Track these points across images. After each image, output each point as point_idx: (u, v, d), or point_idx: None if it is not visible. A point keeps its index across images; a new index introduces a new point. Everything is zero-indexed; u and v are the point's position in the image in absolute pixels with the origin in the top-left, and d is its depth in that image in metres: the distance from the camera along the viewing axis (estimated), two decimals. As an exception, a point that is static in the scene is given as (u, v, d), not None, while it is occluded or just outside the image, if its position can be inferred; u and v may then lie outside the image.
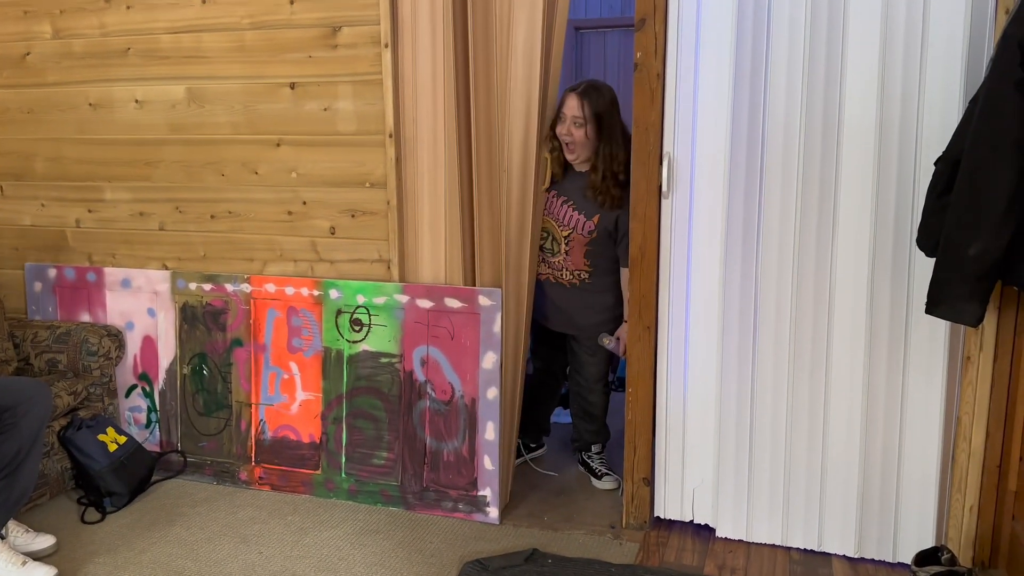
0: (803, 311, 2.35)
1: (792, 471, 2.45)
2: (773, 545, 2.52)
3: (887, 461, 2.36)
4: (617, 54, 4.93)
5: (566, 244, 2.81)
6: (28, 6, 3.04)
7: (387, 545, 2.56)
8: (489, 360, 2.70)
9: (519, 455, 3.09)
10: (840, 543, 2.45)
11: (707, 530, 2.60)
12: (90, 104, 3.04)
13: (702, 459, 2.54)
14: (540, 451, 3.23)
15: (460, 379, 2.74)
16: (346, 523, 2.70)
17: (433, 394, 2.78)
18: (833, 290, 2.33)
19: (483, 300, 2.69)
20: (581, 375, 3.01)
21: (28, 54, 3.09)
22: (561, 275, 2.87)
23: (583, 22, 5.04)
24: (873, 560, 2.44)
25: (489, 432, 2.72)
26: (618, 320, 2.87)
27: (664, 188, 2.40)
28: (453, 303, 2.73)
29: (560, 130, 2.69)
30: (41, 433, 2.39)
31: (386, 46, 2.66)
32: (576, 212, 2.77)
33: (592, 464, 3.02)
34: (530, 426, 3.14)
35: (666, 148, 2.39)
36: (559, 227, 2.81)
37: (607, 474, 2.97)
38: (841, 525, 2.44)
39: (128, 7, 2.92)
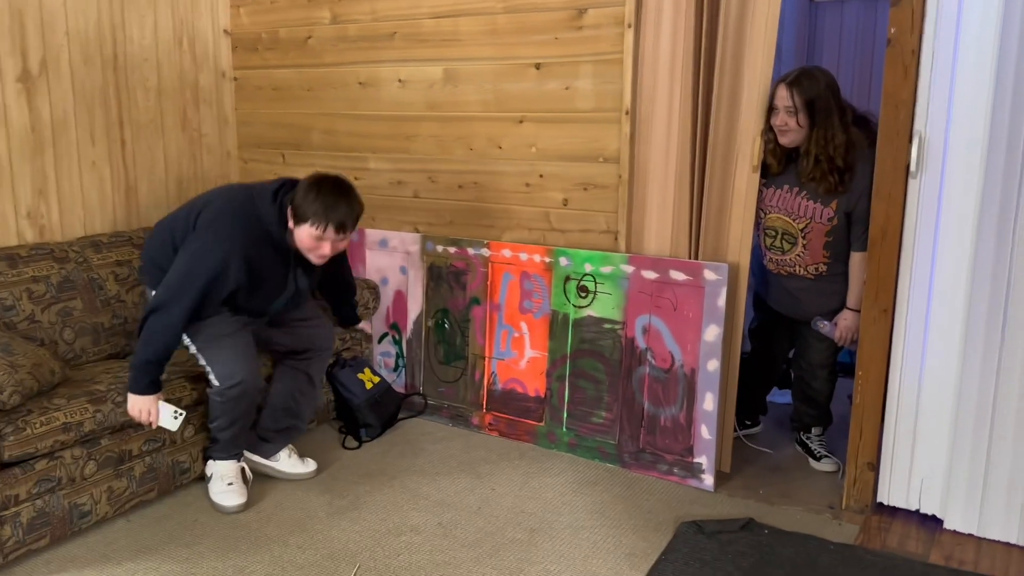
0: (1063, 303, 2.22)
1: (1036, 470, 2.33)
2: (1008, 544, 2.41)
3: None
4: (855, 27, 4.70)
5: (803, 237, 2.77)
6: (312, -4, 3.49)
7: (606, 497, 2.74)
8: (712, 333, 2.78)
9: (732, 429, 3.15)
10: (1089, 551, 2.30)
11: (934, 521, 2.53)
12: (360, 83, 3.44)
13: (934, 447, 2.47)
14: (755, 429, 3.26)
15: (681, 349, 2.85)
16: (567, 473, 2.92)
17: (653, 361, 2.91)
18: (1102, 282, 2.17)
19: (709, 274, 2.77)
20: (805, 359, 2.99)
21: (310, 38, 3.54)
22: (795, 270, 2.85)
23: (818, -6, 4.84)
24: None
25: (708, 402, 2.81)
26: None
27: (912, 167, 2.34)
28: (678, 275, 2.83)
29: (775, 121, 2.68)
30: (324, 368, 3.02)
31: (629, 26, 2.79)
32: (811, 201, 2.72)
33: (811, 445, 3.01)
34: (747, 404, 3.18)
35: (917, 126, 2.33)
36: (794, 220, 2.77)
37: (826, 456, 2.96)
38: (1091, 532, 2.29)
39: (397, -5, 3.26)
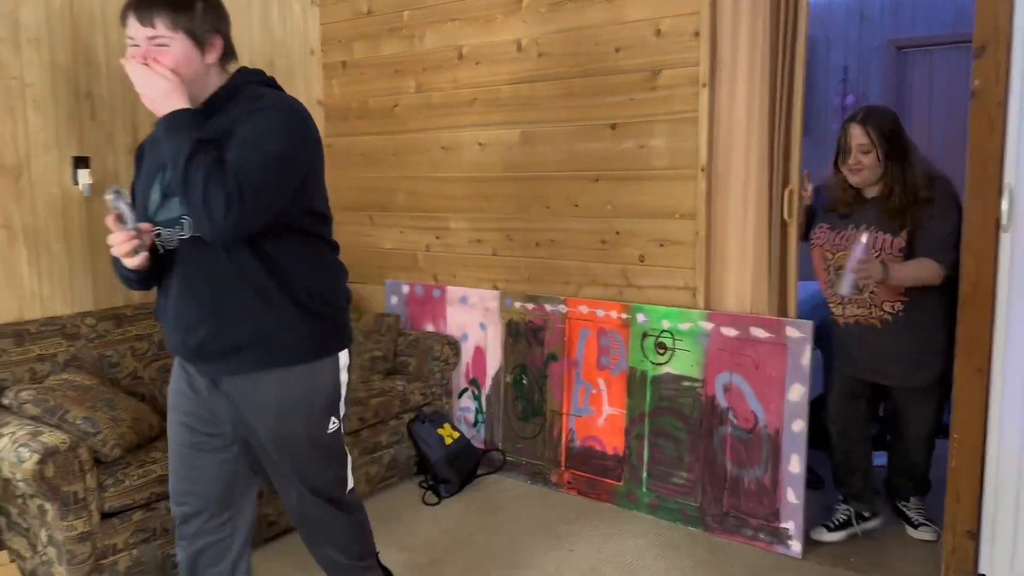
0: None
1: None
2: None
3: None
4: (946, 74, 4.57)
5: None
6: (399, 65, 3.67)
7: (687, 563, 2.67)
8: (796, 392, 2.70)
9: (849, 524, 2.81)
10: None
11: (1045, 598, 2.35)
12: (442, 147, 3.57)
13: (1041, 518, 2.30)
14: (875, 522, 2.83)
15: (764, 409, 2.78)
16: (647, 535, 2.86)
17: (735, 421, 2.84)
18: None
19: (791, 332, 2.71)
20: (907, 434, 2.77)
21: (396, 106, 3.72)
22: (871, 312, 2.68)
23: (906, 40, 4.76)
24: None
25: (794, 464, 2.71)
26: (946, 367, 2.50)
27: (1003, 221, 2.24)
28: (759, 333, 2.77)
29: (847, 162, 2.62)
30: None
31: (704, 86, 2.81)
32: (882, 233, 2.61)
33: (909, 513, 2.84)
34: (860, 491, 2.82)
35: (1006, 179, 2.24)
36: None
37: (925, 524, 2.79)
38: None
39: (477, 63, 3.40)
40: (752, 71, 2.71)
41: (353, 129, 3.89)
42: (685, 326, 2.94)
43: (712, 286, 2.93)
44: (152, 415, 2.69)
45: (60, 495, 2.22)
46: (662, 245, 3.03)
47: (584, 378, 3.21)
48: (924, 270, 2.54)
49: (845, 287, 2.50)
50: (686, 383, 2.95)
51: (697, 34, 2.82)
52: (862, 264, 2.46)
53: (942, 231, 2.53)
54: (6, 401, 2.49)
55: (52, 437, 2.25)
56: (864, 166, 2.60)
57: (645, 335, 3.04)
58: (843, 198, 2.71)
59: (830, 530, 2.82)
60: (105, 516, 2.36)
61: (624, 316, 3.09)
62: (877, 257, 2.55)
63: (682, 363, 2.96)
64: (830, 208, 2.75)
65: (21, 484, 2.21)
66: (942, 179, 2.62)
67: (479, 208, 3.50)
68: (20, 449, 2.19)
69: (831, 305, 2.78)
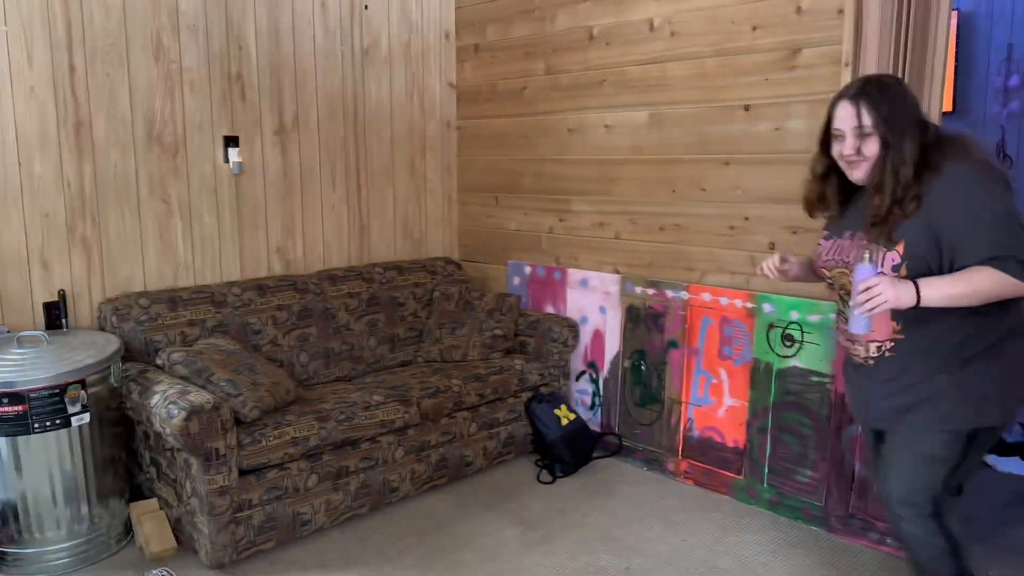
0: None
1: None
2: None
3: None
4: None
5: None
6: (529, 48, 3.68)
7: (808, 563, 2.57)
8: (935, 392, 2.53)
9: None
10: None
11: None
12: (568, 129, 3.57)
13: None
14: None
15: (899, 408, 2.62)
16: (766, 531, 2.78)
17: (866, 420, 2.70)
18: None
19: (933, 328, 2.54)
20: (885, 490, 2.01)
21: (525, 88, 3.74)
22: (856, 350, 1.98)
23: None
24: None
25: (929, 469, 2.55)
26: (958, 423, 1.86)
27: None
28: (897, 328, 2.61)
29: (840, 150, 1.91)
30: None
31: (846, 65, 2.66)
32: (871, 243, 1.87)
33: None
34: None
35: None
36: (850, 271, 1.93)
37: None
38: None
39: (607, 44, 3.36)
40: (898, 50, 2.54)
41: (482, 112, 3.94)
42: (815, 318, 2.81)
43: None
44: (289, 381, 2.86)
45: (203, 450, 2.41)
46: (795, 232, 2.91)
47: (705, 367, 3.14)
48: (978, 279, 1.74)
49: (854, 326, 1.86)
50: (814, 378, 2.82)
51: (841, 11, 2.67)
52: (864, 294, 1.77)
53: (972, 211, 1.76)
54: (159, 361, 2.72)
55: (198, 396, 2.44)
56: (865, 157, 1.87)
57: (771, 326, 2.93)
58: (831, 200, 2.03)
59: None
60: (243, 473, 2.53)
61: (750, 305, 2.99)
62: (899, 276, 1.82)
63: (811, 357, 2.83)
64: (810, 212, 2.11)
65: (170, 438, 2.42)
66: (941, 168, 1.81)
67: (603, 191, 3.47)
68: (170, 406, 2.39)
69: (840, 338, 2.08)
